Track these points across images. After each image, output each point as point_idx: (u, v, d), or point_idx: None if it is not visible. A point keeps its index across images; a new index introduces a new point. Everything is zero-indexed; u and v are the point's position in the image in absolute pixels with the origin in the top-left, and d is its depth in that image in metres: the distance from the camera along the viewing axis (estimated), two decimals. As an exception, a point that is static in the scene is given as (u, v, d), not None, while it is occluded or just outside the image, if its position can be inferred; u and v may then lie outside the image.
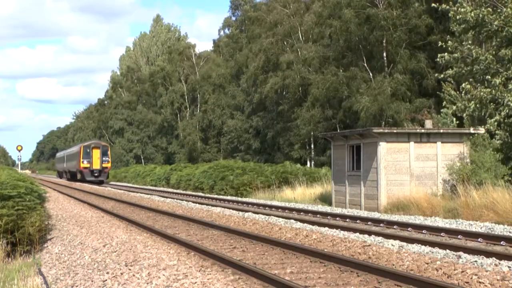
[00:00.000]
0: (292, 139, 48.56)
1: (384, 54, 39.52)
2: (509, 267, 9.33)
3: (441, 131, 21.74)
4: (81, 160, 58.86)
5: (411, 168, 21.29)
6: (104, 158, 59.07)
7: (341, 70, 42.58)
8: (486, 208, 17.10)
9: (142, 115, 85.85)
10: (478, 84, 22.24)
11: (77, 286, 9.92)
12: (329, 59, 44.63)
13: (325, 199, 26.51)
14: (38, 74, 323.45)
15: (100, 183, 58.10)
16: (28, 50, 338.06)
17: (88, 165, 58.57)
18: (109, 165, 60.24)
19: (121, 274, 9.89)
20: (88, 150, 59.09)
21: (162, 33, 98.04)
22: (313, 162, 47.51)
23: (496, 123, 21.42)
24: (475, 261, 9.85)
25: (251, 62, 56.95)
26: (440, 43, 24.50)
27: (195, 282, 8.68)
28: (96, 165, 58.90)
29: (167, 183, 49.01)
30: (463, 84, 22.61)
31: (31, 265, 12.48)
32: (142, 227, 16.62)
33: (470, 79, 22.57)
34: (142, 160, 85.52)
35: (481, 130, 21.70)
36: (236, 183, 34.37)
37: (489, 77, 21.71)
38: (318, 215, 19.71)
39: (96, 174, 58.63)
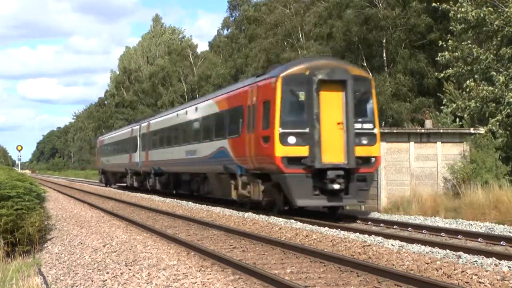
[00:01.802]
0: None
1: (384, 54, 39.54)
2: (509, 267, 9.33)
3: (441, 131, 21.75)
4: (279, 136, 16.94)
5: (411, 168, 21.28)
6: (362, 126, 17.45)
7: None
8: (487, 208, 17.11)
9: (144, 115, 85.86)
10: (483, 82, 22.23)
11: (77, 286, 9.92)
12: (329, 59, 44.63)
13: (325, 199, 26.43)
14: (39, 74, 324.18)
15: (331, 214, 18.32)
16: (29, 50, 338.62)
17: (304, 152, 16.80)
18: (376, 148, 17.73)
19: (121, 274, 9.89)
20: (303, 96, 17.13)
21: (164, 33, 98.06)
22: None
23: (498, 123, 21.43)
24: (475, 261, 9.84)
25: (251, 62, 57.00)
26: (440, 42, 24.52)
27: (195, 282, 8.68)
28: (337, 155, 16.98)
29: None
30: (468, 82, 22.61)
31: (31, 265, 12.47)
32: (142, 227, 16.62)
33: (476, 76, 22.58)
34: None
35: (481, 130, 21.72)
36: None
37: (494, 73, 21.71)
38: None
39: (337, 186, 16.69)
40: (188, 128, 26.16)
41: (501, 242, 12.47)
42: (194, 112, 25.37)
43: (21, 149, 65.51)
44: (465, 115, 23.24)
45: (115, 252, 12.24)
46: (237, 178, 19.91)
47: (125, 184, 41.84)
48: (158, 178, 31.31)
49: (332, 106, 17.18)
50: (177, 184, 29.43)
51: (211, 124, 22.99)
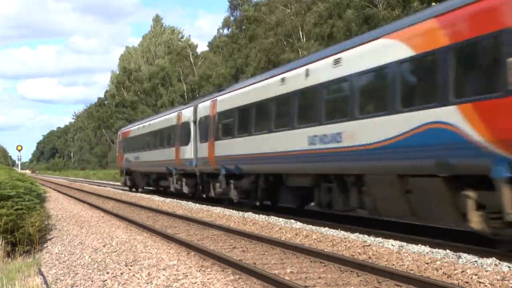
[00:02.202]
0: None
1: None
2: (509, 267, 9.32)
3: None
4: None
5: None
6: None
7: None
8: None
9: (144, 115, 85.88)
10: None
11: (77, 286, 9.92)
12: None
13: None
14: (39, 74, 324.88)
15: None
16: (29, 50, 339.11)
17: None
18: None
19: (121, 274, 9.89)
20: None
21: (164, 33, 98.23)
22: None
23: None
24: (475, 261, 9.83)
25: (251, 62, 57.02)
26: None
27: (195, 282, 8.68)
28: None
29: None
30: None
31: (31, 265, 12.48)
32: (142, 227, 16.62)
33: None
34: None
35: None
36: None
37: None
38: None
39: None
40: (313, 99, 15.42)
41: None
42: (331, 68, 14.72)
43: (21, 149, 65.48)
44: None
45: (115, 252, 12.25)
46: (501, 186, 9.81)
47: (156, 189, 34.14)
48: (234, 182, 20.87)
49: None
50: (271, 191, 19.11)
51: (393, 82, 12.46)
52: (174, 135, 27.65)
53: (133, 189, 37.93)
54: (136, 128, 36.81)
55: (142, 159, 33.82)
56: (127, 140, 38.66)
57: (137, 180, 36.62)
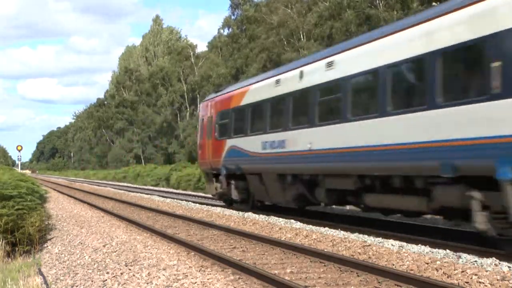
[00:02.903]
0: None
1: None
2: (509, 267, 9.32)
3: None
4: None
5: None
6: None
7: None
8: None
9: (145, 115, 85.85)
10: None
11: (77, 286, 9.93)
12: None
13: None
14: (39, 74, 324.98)
15: None
16: (29, 50, 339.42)
17: None
18: None
19: (121, 274, 9.90)
20: None
21: (163, 34, 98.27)
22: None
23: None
24: (475, 261, 9.84)
25: (251, 61, 57.04)
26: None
27: (195, 282, 8.68)
28: None
29: (168, 183, 49.08)
30: None
31: (31, 265, 12.49)
32: (142, 227, 16.62)
33: None
34: (142, 160, 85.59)
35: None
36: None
37: None
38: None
39: None
40: None
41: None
42: None
43: (21, 149, 65.46)
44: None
45: (115, 252, 12.25)
46: None
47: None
48: None
49: None
50: None
51: None
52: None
53: (234, 203, 21.46)
54: (267, 85, 18.39)
55: (292, 147, 16.50)
56: (235, 114, 20.54)
57: (260, 189, 19.29)
